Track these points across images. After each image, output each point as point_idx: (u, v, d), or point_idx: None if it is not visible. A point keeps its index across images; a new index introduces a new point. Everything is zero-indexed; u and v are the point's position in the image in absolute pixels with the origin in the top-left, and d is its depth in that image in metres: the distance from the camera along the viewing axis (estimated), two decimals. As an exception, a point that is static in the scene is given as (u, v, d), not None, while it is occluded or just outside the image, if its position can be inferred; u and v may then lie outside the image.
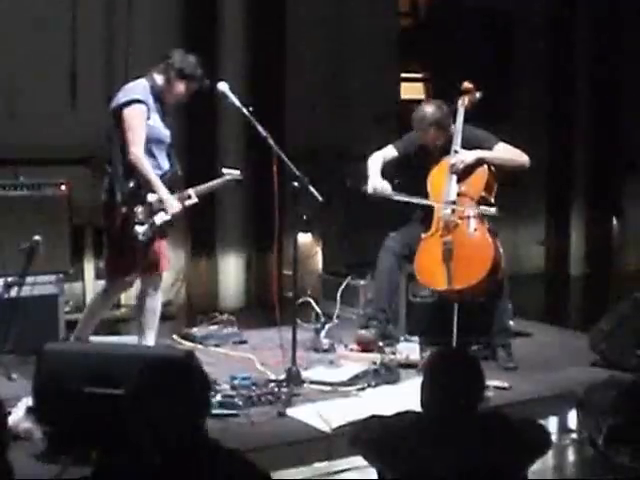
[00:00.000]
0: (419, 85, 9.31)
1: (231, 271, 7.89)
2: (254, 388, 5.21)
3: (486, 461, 3.22)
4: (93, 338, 6.26)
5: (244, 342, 6.48)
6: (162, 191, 5.40)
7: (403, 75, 9.08)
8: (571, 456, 5.16)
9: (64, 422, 4.37)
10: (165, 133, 5.55)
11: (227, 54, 7.66)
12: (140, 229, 5.37)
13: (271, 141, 5.37)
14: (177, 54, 5.54)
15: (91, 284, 6.83)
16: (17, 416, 4.53)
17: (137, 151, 5.33)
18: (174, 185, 5.56)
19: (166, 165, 5.56)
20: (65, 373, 4.39)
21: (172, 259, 7.72)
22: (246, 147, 7.64)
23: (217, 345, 6.38)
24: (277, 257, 6.23)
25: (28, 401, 4.59)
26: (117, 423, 3.87)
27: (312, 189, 5.39)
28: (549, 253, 9.63)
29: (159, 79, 5.51)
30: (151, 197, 5.42)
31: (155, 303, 5.66)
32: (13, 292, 5.68)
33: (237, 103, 5.50)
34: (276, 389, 5.23)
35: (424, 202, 6.15)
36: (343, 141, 8.17)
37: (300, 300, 6.26)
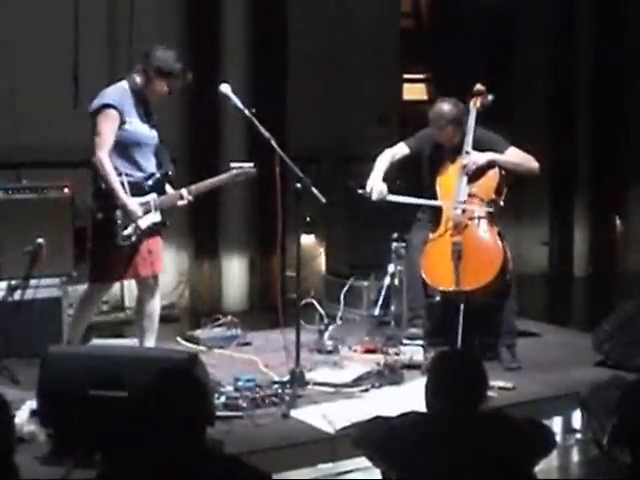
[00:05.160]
0: (421, 86, 9.32)
1: (234, 273, 7.89)
2: (258, 390, 5.20)
3: (490, 462, 3.22)
4: (96, 341, 6.29)
5: (248, 344, 6.48)
6: (122, 197, 5.28)
7: (405, 76, 9.09)
8: (575, 456, 5.16)
9: (68, 424, 4.37)
10: (149, 135, 5.48)
11: (229, 56, 7.67)
12: (119, 234, 5.30)
13: (274, 143, 5.36)
14: (155, 52, 5.42)
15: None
16: (21, 419, 4.53)
17: (101, 155, 5.26)
18: (163, 186, 5.49)
19: (152, 167, 5.48)
20: (69, 376, 4.40)
21: (175, 261, 7.77)
22: (248, 149, 7.65)
23: (221, 347, 6.38)
24: (280, 259, 6.23)
25: (32, 404, 4.59)
26: (121, 425, 3.89)
27: (315, 191, 5.38)
28: (553, 253, 9.62)
29: (139, 80, 5.42)
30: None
31: (152, 308, 5.59)
32: (17, 295, 5.70)
33: (239, 105, 5.48)
34: (280, 391, 5.23)
35: (422, 202, 6.16)
36: (345, 142, 8.17)
37: (303, 301, 6.25)
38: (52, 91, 6.96)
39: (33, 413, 4.58)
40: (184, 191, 5.48)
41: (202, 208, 7.68)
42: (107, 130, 5.30)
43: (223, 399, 5.00)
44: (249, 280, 7.94)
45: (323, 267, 7.94)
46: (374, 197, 6.09)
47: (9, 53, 6.87)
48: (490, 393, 4.08)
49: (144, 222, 5.37)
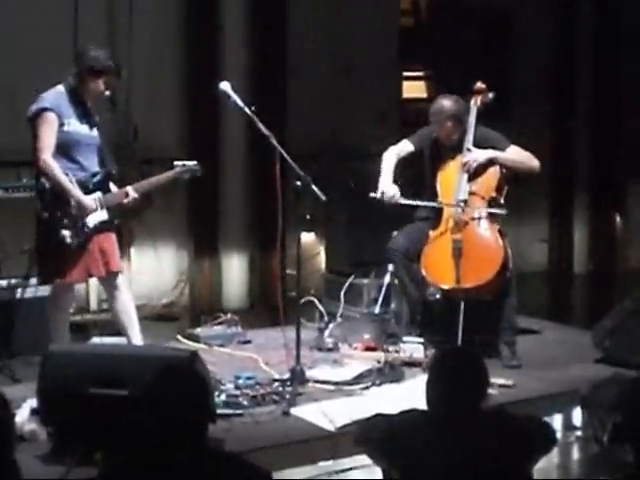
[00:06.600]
0: (421, 84, 9.31)
1: (234, 271, 7.89)
2: (258, 388, 5.21)
3: (491, 459, 3.22)
4: (96, 339, 6.29)
5: (248, 342, 6.48)
6: (75, 193, 5.32)
7: (404, 74, 9.08)
8: (576, 454, 5.15)
9: (68, 423, 4.37)
10: (89, 135, 5.48)
11: (229, 54, 7.66)
12: (66, 233, 5.30)
13: (273, 140, 5.36)
14: (86, 52, 5.44)
15: (94, 286, 6.82)
16: (22, 417, 4.53)
17: (45, 157, 5.29)
18: (108, 184, 5.49)
19: (94, 166, 5.49)
20: (69, 374, 4.39)
21: (175, 260, 7.78)
22: (248, 147, 7.65)
23: (221, 345, 6.38)
24: (280, 257, 6.22)
25: (32, 402, 4.59)
26: (121, 424, 3.89)
27: (315, 188, 5.38)
28: (552, 250, 9.62)
29: (74, 81, 5.44)
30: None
31: (123, 305, 5.54)
32: (17, 293, 5.70)
33: (239, 102, 5.48)
34: (280, 388, 5.23)
35: (433, 204, 6.13)
36: (345, 140, 8.16)
37: (303, 299, 6.24)
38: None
39: (33, 412, 4.58)
40: (129, 189, 5.49)
41: (202, 206, 7.71)
42: (46, 133, 5.32)
43: (223, 397, 5.01)
44: (249, 278, 7.94)
45: (323, 265, 7.94)
46: (386, 200, 6.06)
47: (9, 53, 6.87)
48: (490, 390, 4.08)
49: (92, 220, 5.38)
